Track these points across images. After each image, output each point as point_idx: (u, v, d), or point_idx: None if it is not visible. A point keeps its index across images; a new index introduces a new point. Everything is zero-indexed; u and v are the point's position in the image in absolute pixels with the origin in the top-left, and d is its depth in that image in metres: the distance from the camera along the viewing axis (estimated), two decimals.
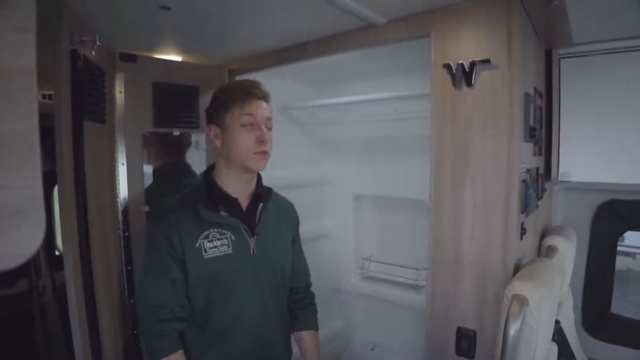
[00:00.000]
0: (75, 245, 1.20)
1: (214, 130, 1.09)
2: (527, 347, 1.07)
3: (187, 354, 1.05)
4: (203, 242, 1.04)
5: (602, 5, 1.25)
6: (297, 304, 1.26)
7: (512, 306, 1.05)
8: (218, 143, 1.09)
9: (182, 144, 1.82)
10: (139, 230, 1.57)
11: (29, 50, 0.37)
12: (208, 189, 1.10)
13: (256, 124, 1.05)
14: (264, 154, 1.07)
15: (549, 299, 1.14)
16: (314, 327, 1.26)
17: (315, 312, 1.29)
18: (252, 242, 1.09)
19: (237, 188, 1.11)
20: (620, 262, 3.03)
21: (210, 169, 1.16)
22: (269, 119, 1.09)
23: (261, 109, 1.07)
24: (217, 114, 1.08)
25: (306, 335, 1.24)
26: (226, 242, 1.06)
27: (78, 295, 1.19)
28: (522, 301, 1.05)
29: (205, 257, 1.04)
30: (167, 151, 1.77)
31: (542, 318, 1.08)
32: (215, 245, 1.05)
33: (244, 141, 1.04)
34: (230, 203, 1.09)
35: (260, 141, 1.05)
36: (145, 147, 1.66)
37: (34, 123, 0.37)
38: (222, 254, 1.05)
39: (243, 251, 1.08)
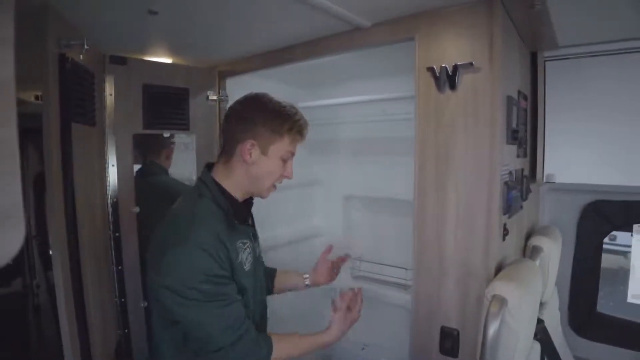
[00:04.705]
0: (64, 246, 1.21)
1: (254, 146, 1.02)
2: (506, 347, 1.08)
3: None
4: (240, 255, 1.01)
5: (586, 9, 1.27)
6: None
7: (491, 306, 1.07)
8: (248, 158, 1.02)
9: (159, 146, 1.87)
10: (129, 231, 1.59)
11: (7, 60, 0.37)
12: (227, 197, 1.04)
13: (291, 159, 1.08)
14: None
15: (529, 299, 1.16)
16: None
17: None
18: (256, 246, 1.13)
19: (242, 197, 1.10)
20: (613, 261, 3.04)
21: (210, 173, 1.08)
22: None
23: None
24: (264, 134, 1.02)
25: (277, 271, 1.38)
26: (249, 251, 1.06)
27: (67, 297, 1.20)
28: (501, 301, 1.06)
29: (246, 269, 1.02)
30: (143, 152, 1.82)
31: (521, 318, 1.10)
32: (246, 255, 1.03)
33: (274, 172, 1.06)
34: (242, 211, 1.10)
35: (286, 176, 1.09)
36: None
37: (12, 131, 0.37)
38: (250, 264, 1.05)
39: (257, 257, 1.11)
